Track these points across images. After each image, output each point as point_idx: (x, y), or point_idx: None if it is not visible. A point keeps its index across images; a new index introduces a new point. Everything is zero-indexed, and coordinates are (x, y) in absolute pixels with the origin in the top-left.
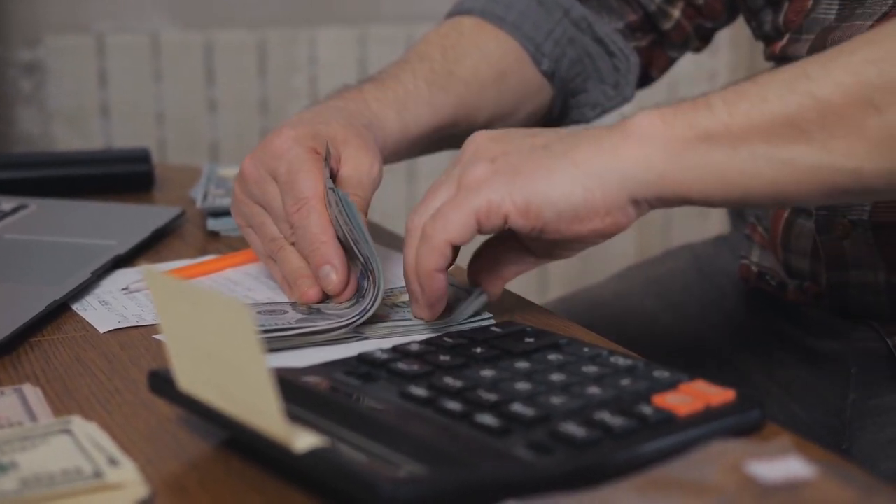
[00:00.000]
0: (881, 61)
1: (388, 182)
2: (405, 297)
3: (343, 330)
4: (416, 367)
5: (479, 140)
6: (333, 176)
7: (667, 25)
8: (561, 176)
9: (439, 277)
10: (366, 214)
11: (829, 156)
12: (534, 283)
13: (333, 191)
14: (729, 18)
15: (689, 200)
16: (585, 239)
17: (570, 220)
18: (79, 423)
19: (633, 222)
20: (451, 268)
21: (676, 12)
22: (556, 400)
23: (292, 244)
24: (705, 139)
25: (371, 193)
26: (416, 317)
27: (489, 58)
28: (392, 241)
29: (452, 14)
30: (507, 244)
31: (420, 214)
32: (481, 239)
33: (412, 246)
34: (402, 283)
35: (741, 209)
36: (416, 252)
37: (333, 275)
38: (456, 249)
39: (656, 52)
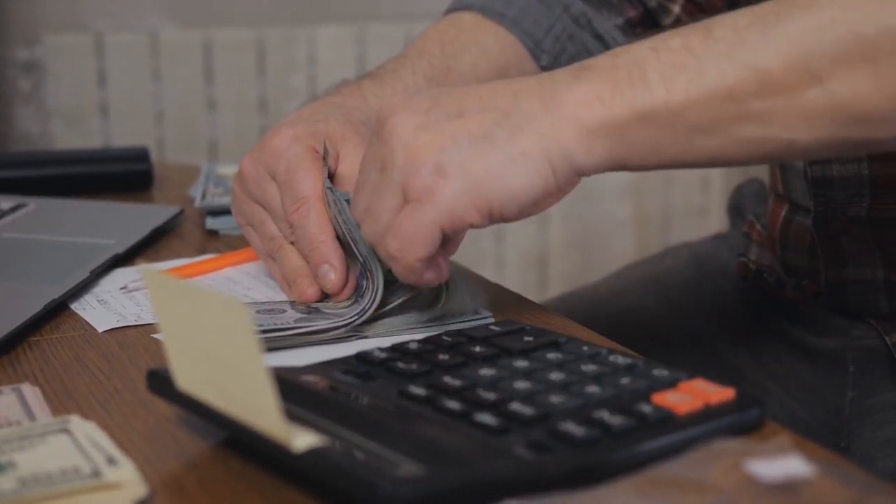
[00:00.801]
0: (820, 29)
1: None
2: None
3: (342, 329)
4: (414, 366)
5: (401, 130)
6: (332, 174)
7: (667, 21)
8: (515, 170)
9: (427, 275)
10: None
11: (766, 128)
12: (533, 282)
13: (332, 190)
14: None
15: (626, 169)
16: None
17: (529, 208)
18: (77, 423)
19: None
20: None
21: (676, 8)
22: (555, 399)
23: (292, 243)
24: (645, 118)
25: None
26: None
27: (488, 53)
28: None
29: (451, 10)
30: None
31: (369, 225)
32: None
33: (384, 256)
34: None
35: (739, 207)
36: (390, 264)
37: (332, 274)
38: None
39: None
